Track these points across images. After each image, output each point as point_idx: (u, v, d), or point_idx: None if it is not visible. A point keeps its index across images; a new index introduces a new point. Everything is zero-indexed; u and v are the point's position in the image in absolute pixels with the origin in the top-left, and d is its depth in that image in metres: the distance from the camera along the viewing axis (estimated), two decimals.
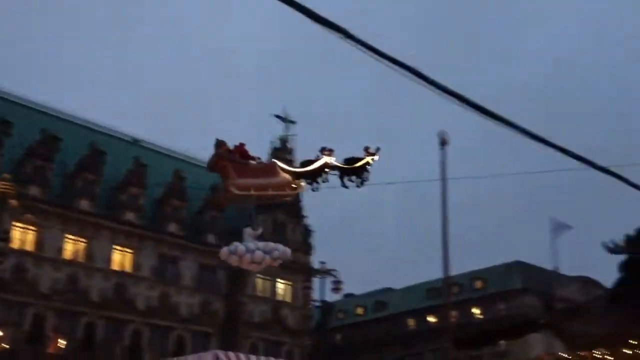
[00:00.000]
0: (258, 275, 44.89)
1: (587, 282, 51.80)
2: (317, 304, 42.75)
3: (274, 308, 45.78)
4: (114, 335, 38.92)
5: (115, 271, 40.11)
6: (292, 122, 41.81)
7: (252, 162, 9.64)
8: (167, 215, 42.95)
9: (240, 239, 9.71)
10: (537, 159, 9.46)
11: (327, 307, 38.67)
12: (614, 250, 8.78)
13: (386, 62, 7.50)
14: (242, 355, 10.40)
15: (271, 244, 9.75)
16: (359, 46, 6.99)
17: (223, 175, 9.45)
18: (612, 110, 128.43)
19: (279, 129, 42.81)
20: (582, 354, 8.66)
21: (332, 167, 9.36)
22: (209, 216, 44.65)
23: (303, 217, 46.16)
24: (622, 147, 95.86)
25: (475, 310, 56.87)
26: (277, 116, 42.02)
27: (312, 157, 9.46)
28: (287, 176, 9.41)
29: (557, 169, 11.65)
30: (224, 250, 9.77)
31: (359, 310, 66.33)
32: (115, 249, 40.48)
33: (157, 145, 48.49)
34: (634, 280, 8.37)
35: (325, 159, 9.22)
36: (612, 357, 8.19)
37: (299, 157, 10.46)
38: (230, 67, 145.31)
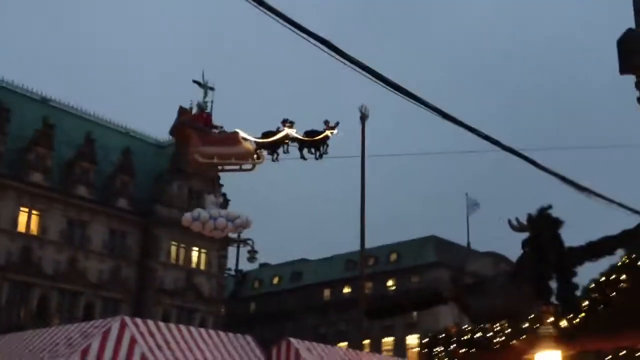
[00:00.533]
0: (172, 242, 44.19)
1: (496, 258, 53.66)
2: (231, 272, 42.45)
3: (188, 275, 45.19)
4: (20, 299, 37.64)
5: (21, 233, 38.51)
6: (211, 88, 40.82)
7: (215, 130, 9.74)
8: (76, 178, 41.40)
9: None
10: (456, 139, 9.55)
11: (242, 276, 38.47)
12: (516, 228, 8.92)
13: (302, 34, 7.35)
14: (150, 322, 9.93)
15: (233, 212, 9.80)
16: (275, 17, 6.76)
17: (185, 142, 9.59)
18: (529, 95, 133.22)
19: (197, 94, 41.77)
20: (484, 326, 8.75)
21: (293, 139, 9.49)
22: (120, 181, 43.48)
23: (220, 185, 45.47)
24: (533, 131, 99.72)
25: (390, 283, 58.06)
26: (196, 81, 40.93)
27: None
28: (249, 146, 9.51)
29: (471, 149, 11.79)
30: (187, 216, 9.73)
31: (275, 280, 66.47)
32: (21, 210, 38.83)
33: (68, 106, 46.39)
34: (534, 258, 8.52)
35: (286, 131, 9.39)
36: (510, 329, 8.32)
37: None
38: (147, 29, 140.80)
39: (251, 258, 30.64)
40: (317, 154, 9.56)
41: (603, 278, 7.64)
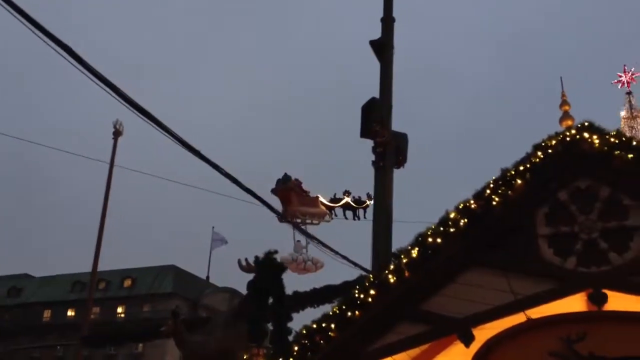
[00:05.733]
0: None
1: (233, 294, 54.23)
2: None
3: None
4: None
5: None
6: None
7: (306, 194, 12.18)
8: None
9: None
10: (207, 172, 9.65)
11: None
12: (244, 268, 9.01)
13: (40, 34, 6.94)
14: None
15: (316, 257, 12.07)
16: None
17: (286, 201, 11.75)
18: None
19: None
20: None
21: (347, 205, 12.38)
22: None
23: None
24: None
25: (120, 310, 55.53)
26: None
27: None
28: (324, 208, 12.27)
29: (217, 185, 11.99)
30: (287, 256, 11.47)
31: None
32: None
33: None
34: (253, 299, 8.63)
35: (346, 199, 12.21)
36: None
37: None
38: None
39: None
40: (358, 217, 12.51)
41: (314, 325, 7.89)
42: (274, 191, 12.03)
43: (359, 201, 12.63)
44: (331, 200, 12.63)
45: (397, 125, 11.37)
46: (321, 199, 12.47)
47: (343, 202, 12.37)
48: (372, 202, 12.28)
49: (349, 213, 12.53)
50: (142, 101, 8.16)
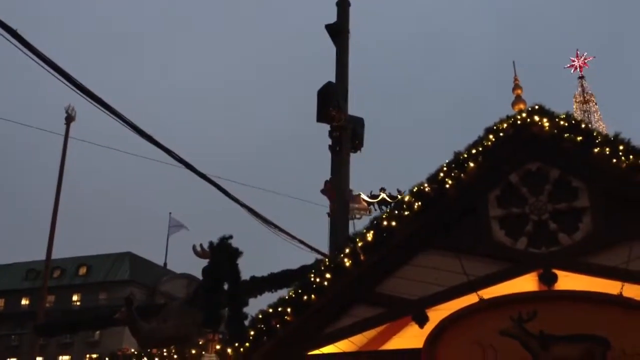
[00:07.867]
0: None
1: (192, 281, 53.62)
2: None
3: None
4: None
5: None
6: None
7: (351, 192, 12.67)
8: None
9: None
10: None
11: None
12: (199, 254, 8.93)
13: None
14: None
15: None
16: None
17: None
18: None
19: None
20: (151, 352, 8.46)
21: (383, 200, 13.03)
22: None
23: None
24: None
25: (75, 297, 54.68)
26: None
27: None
28: (365, 204, 13.03)
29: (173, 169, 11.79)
30: None
31: None
32: None
33: None
34: (207, 286, 8.58)
35: (382, 195, 12.99)
36: (177, 355, 8.18)
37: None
38: None
39: None
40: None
41: (271, 309, 7.88)
42: (323, 191, 12.88)
43: (392, 196, 13.55)
44: (369, 197, 13.64)
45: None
46: (362, 195, 13.45)
47: (380, 198, 13.27)
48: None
49: (384, 208, 13.23)
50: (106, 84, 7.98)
